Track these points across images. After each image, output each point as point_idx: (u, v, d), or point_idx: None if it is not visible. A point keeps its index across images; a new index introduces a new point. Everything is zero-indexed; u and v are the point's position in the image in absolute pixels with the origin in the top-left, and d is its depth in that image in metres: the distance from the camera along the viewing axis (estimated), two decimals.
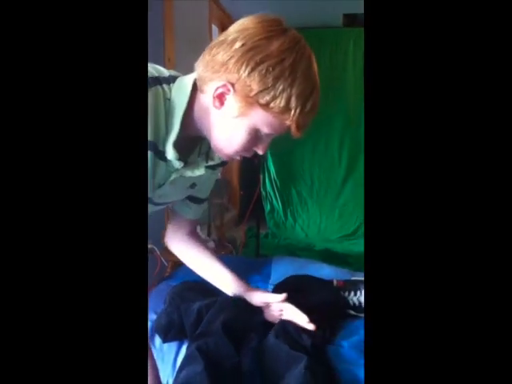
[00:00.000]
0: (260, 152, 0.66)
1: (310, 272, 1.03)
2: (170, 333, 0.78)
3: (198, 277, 1.08)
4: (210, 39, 2.47)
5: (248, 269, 1.17)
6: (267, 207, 3.13)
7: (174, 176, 0.69)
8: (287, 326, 0.74)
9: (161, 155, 0.65)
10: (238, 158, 0.68)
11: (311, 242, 2.87)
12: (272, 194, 3.12)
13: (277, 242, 2.86)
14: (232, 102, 0.58)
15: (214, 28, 2.83)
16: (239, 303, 0.79)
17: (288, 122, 0.58)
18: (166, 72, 0.66)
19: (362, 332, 0.85)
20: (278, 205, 3.11)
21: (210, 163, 0.73)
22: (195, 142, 0.71)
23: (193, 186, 0.78)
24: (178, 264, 1.40)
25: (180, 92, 0.63)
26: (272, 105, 0.56)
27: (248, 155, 0.66)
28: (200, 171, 0.70)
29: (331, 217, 3.02)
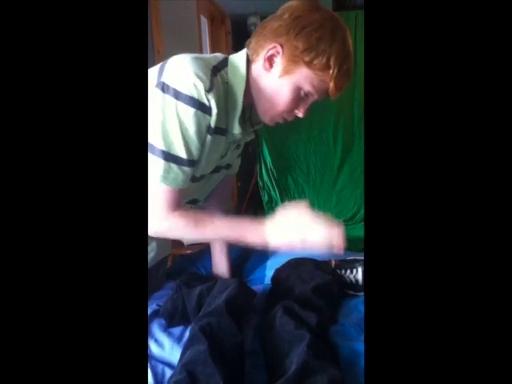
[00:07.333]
0: (300, 115, 0.75)
1: (310, 256, 1.04)
2: (175, 318, 0.80)
3: (199, 267, 1.10)
4: (199, 30, 2.46)
5: (247, 254, 1.18)
6: (265, 197, 3.14)
7: (231, 145, 0.81)
8: (292, 305, 0.76)
9: (221, 131, 0.72)
10: (281, 121, 0.77)
11: None
12: (269, 183, 3.13)
13: None
14: (280, 62, 0.69)
15: (203, 19, 2.81)
16: (240, 283, 0.81)
17: (328, 80, 0.68)
18: (220, 56, 0.73)
19: (360, 309, 0.87)
20: (276, 194, 3.12)
21: (255, 127, 0.84)
22: (244, 110, 0.78)
23: (238, 147, 0.89)
24: (179, 255, 1.43)
25: (236, 73, 0.72)
26: (315, 62, 0.67)
27: (289, 118, 0.76)
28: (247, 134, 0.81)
29: (329, 203, 3.04)
